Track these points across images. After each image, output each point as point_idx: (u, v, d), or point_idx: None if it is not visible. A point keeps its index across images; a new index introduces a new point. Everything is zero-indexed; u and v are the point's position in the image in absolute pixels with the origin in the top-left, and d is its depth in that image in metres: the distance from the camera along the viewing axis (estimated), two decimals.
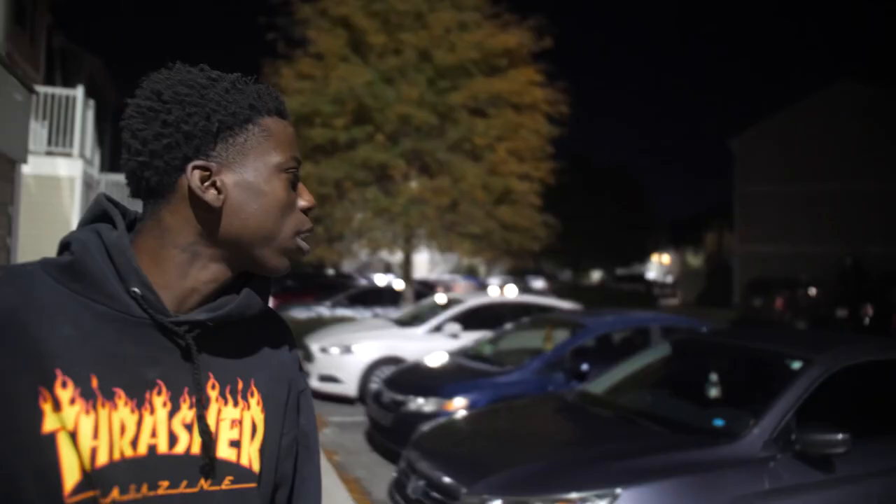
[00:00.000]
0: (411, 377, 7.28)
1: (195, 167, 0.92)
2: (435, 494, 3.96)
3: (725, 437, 3.90)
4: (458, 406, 6.15)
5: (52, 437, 0.83)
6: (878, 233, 33.46)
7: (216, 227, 0.94)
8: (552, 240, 15.60)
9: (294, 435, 1.07)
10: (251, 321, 1.00)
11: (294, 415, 1.08)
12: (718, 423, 4.13)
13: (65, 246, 0.93)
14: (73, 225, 10.38)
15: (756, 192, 36.73)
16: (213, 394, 0.95)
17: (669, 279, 49.98)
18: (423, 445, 4.53)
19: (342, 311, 14.80)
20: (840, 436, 3.67)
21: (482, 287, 28.55)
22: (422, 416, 5.99)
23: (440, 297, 11.60)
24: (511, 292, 24.15)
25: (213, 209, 0.93)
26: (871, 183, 34.15)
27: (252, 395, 0.99)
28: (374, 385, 8.30)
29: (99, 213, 0.96)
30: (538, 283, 45.15)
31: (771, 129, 37.24)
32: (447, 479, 3.93)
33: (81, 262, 0.89)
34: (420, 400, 6.42)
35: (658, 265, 62.75)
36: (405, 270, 15.52)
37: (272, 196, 0.96)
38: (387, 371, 8.62)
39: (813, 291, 24.68)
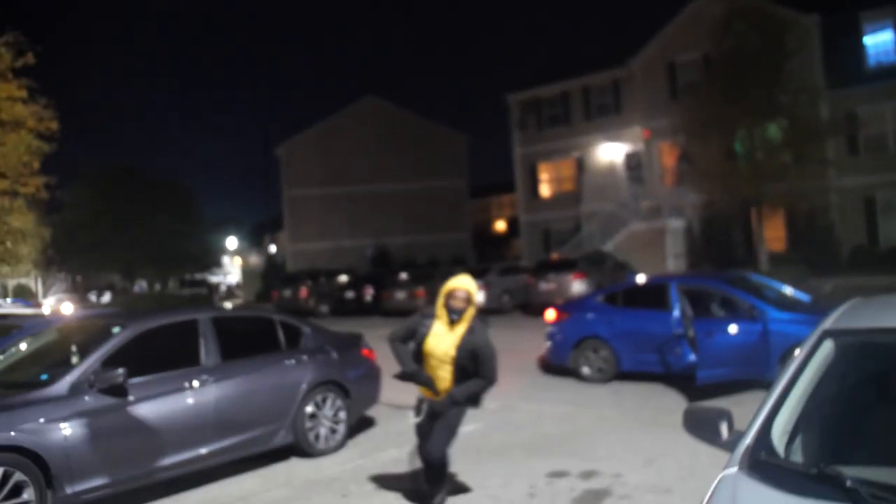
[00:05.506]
0: None
1: None
2: None
3: (42, 385, 5.28)
4: None
5: None
6: (400, 226, 39.84)
7: None
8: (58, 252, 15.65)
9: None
10: None
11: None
12: (44, 377, 5.48)
13: None
14: None
15: (301, 196, 40.50)
16: None
17: (239, 281, 52.00)
18: None
19: None
20: (119, 371, 5.30)
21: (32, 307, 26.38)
22: None
23: None
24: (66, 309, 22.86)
25: None
26: (391, 185, 40.40)
27: None
28: None
29: None
30: (105, 298, 43.21)
31: (310, 138, 41.31)
32: None
33: None
34: None
35: (240, 268, 64.24)
36: None
37: None
38: None
39: (343, 279, 28.33)
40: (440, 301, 4.86)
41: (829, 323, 2.95)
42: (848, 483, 1.99)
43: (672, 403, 8.43)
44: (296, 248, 40.42)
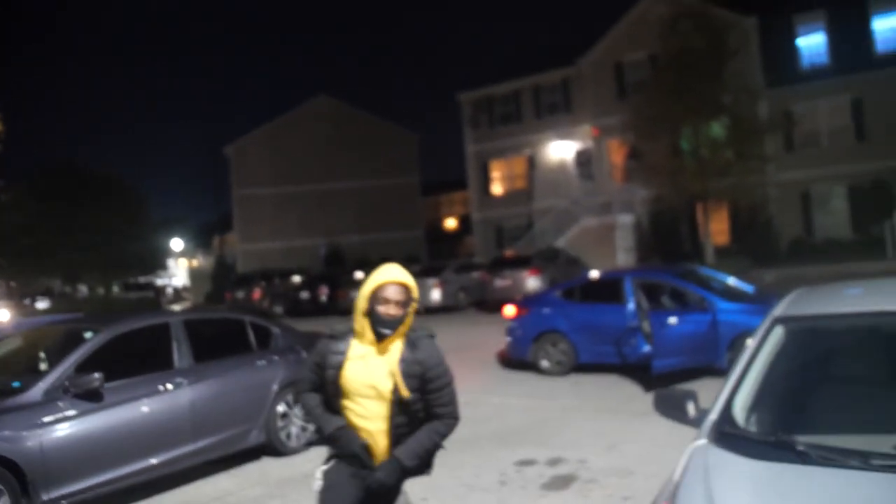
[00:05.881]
0: None
1: None
2: None
3: (15, 392, 5.29)
4: None
5: None
6: (353, 225, 39.84)
7: None
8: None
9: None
10: None
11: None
12: (16, 384, 5.48)
13: None
14: None
15: (251, 195, 40.10)
16: None
17: (186, 283, 51.14)
18: None
19: None
20: (96, 375, 5.34)
21: None
22: None
23: None
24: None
25: None
26: (343, 183, 40.34)
27: None
28: None
29: None
30: (42, 304, 41.91)
31: (261, 137, 40.91)
32: None
33: None
34: None
35: (187, 270, 63.17)
36: None
37: None
38: None
39: (297, 279, 28.23)
40: (361, 307, 2.99)
41: (778, 311, 3.26)
42: (800, 447, 2.29)
43: (630, 392, 8.82)
44: (246, 249, 40.01)
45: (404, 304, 2.96)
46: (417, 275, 21.83)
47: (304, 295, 24.81)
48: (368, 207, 40.36)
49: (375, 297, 2.94)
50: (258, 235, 39.69)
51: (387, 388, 2.94)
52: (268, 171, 39.83)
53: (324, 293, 24.01)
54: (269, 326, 7.32)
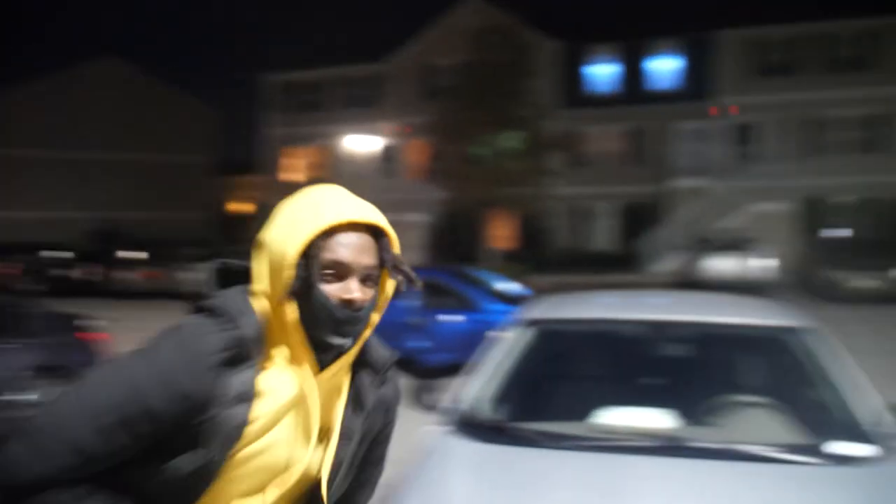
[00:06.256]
0: None
1: None
2: None
3: None
4: None
5: None
6: (132, 200, 37.04)
7: None
8: None
9: None
10: None
11: None
12: None
13: None
14: None
15: (11, 155, 35.73)
16: None
17: None
18: None
19: None
20: None
21: None
22: None
23: None
24: None
25: None
26: (126, 154, 37.39)
27: None
28: None
29: None
30: None
31: (34, 94, 36.62)
32: None
33: None
34: None
35: None
36: None
37: None
38: None
39: (64, 255, 25.51)
40: (278, 283, 1.19)
41: (528, 313, 3.68)
42: (519, 432, 2.72)
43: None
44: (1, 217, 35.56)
45: (374, 275, 1.28)
46: (208, 259, 20.81)
47: (71, 273, 22.64)
48: (156, 183, 37.76)
49: (315, 258, 1.20)
50: (16, 202, 35.44)
51: (318, 464, 1.31)
52: (36, 131, 35.75)
53: (94, 272, 22.10)
54: (23, 306, 6.70)
